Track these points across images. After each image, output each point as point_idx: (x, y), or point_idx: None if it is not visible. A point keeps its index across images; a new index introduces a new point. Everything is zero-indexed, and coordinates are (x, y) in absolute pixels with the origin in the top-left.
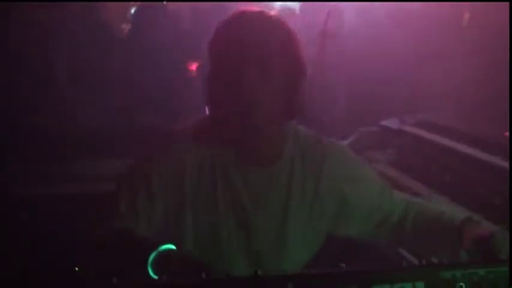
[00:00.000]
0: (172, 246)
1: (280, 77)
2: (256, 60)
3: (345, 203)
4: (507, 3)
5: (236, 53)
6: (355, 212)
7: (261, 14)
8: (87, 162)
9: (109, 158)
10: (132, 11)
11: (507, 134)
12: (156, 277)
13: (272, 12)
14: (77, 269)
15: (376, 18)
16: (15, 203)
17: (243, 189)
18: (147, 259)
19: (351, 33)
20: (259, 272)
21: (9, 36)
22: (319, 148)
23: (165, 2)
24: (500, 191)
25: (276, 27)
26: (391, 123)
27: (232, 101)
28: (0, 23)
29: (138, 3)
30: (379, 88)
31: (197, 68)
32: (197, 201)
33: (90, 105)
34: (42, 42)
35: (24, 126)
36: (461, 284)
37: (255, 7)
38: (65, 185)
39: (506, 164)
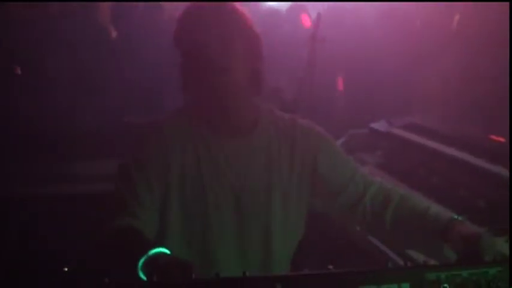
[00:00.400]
0: (165, 250)
1: (240, 49)
2: (218, 37)
3: (317, 173)
4: (503, 4)
5: (200, 34)
6: (326, 184)
7: (213, 3)
8: (85, 163)
9: (108, 158)
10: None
11: (493, 137)
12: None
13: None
14: (66, 269)
15: (366, 22)
16: (13, 203)
17: (224, 161)
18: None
19: (340, 37)
20: (247, 274)
21: (7, 37)
22: (293, 123)
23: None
24: (485, 194)
25: (227, 11)
26: (380, 125)
27: (204, 76)
28: None
29: (141, 3)
30: (368, 90)
31: None
32: (183, 182)
33: (88, 105)
34: (38, 43)
35: (21, 127)
36: (445, 285)
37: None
38: (63, 185)
39: (492, 167)
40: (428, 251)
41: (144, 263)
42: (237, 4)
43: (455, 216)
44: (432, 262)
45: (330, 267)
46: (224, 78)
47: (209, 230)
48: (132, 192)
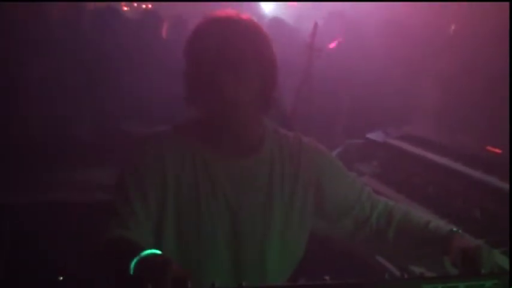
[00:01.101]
0: (156, 251)
1: (254, 77)
2: (231, 63)
3: (322, 194)
4: (502, 14)
5: (212, 58)
6: (332, 205)
7: (232, 18)
8: (84, 170)
9: (107, 167)
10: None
11: (489, 148)
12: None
13: (243, 15)
14: (61, 278)
15: (364, 32)
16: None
17: (224, 181)
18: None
19: (337, 47)
20: (244, 284)
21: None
22: (298, 143)
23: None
24: (481, 204)
25: (247, 29)
26: (377, 136)
27: (212, 104)
28: None
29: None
30: (365, 101)
31: None
32: (179, 197)
33: (87, 113)
34: (36, 48)
35: (18, 135)
36: None
37: (227, 10)
38: (63, 193)
39: (488, 178)
40: (429, 264)
41: (135, 265)
42: (256, 22)
43: (454, 229)
44: (430, 274)
45: (326, 278)
46: (232, 109)
47: (203, 248)
48: (127, 204)
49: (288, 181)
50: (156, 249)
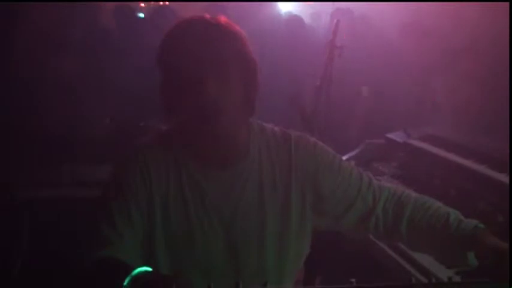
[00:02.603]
0: (147, 268)
1: (235, 78)
2: (210, 65)
3: (320, 192)
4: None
5: (190, 61)
6: (332, 201)
7: (207, 20)
8: (95, 167)
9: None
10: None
11: None
12: None
13: (219, 18)
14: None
15: (384, 31)
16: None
17: (213, 191)
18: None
19: (359, 46)
20: (241, 286)
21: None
22: (287, 141)
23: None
24: (503, 207)
25: (223, 30)
26: (397, 136)
27: (193, 110)
28: None
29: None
30: (386, 100)
31: None
32: (168, 213)
33: (100, 109)
34: (43, 45)
35: (19, 131)
36: None
37: (202, 14)
38: (75, 189)
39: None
40: (447, 257)
41: (129, 284)
42: (232, 22)
43: (480, 225)
44: (455, 275)
45: (352, 280)
46: (215, 114)
47: (198, 263)
48: (112, 225)
49: (280, 182)
50: (147, 263)
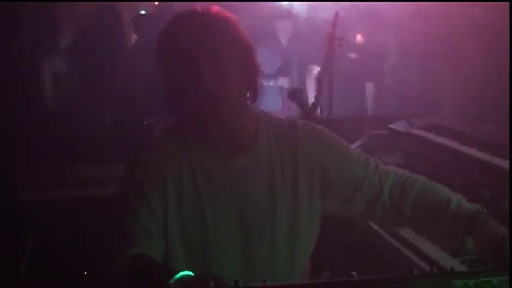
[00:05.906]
0: (189, 273)
1: (233, 66)
2: (207, 52)
3: (327, 177)
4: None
5: (186, 56)
6: (339, 186)
7: (199, 11)
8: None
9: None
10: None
11: None
12: None
13: (210, 7)
14: (85, 273)
15: (387, 21)
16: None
17: (224, 181)
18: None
19: (362, 37)
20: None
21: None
22: (293, 129)
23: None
24: (509, 196)
25: (216, 18)
26: (400, 126)
27: (197, 101)
28: None
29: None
30: (388, 91)
31: None
32: (182, 205)
33: (107, 107)
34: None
35: (22, 131)
36: None
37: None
38: (83, 189)
39: None
40: (448, 241)
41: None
42: (227, 11)
43: (480, 209)
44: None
45: (353, 273)
46: (217, 101)
47: (211, 250)
48: (137, 221)
49: (289, 169)
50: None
